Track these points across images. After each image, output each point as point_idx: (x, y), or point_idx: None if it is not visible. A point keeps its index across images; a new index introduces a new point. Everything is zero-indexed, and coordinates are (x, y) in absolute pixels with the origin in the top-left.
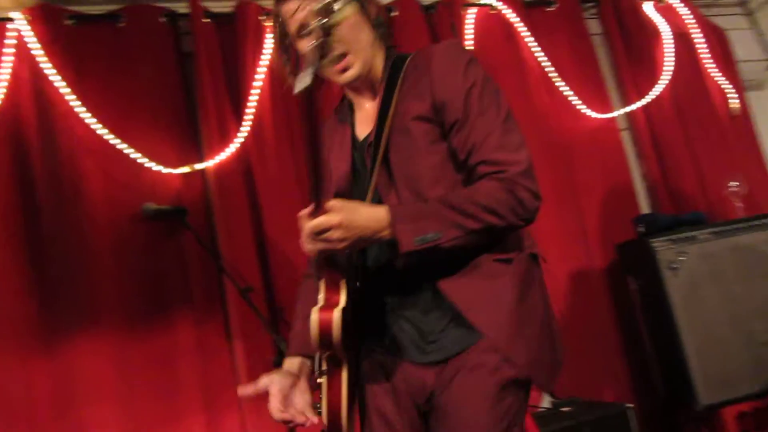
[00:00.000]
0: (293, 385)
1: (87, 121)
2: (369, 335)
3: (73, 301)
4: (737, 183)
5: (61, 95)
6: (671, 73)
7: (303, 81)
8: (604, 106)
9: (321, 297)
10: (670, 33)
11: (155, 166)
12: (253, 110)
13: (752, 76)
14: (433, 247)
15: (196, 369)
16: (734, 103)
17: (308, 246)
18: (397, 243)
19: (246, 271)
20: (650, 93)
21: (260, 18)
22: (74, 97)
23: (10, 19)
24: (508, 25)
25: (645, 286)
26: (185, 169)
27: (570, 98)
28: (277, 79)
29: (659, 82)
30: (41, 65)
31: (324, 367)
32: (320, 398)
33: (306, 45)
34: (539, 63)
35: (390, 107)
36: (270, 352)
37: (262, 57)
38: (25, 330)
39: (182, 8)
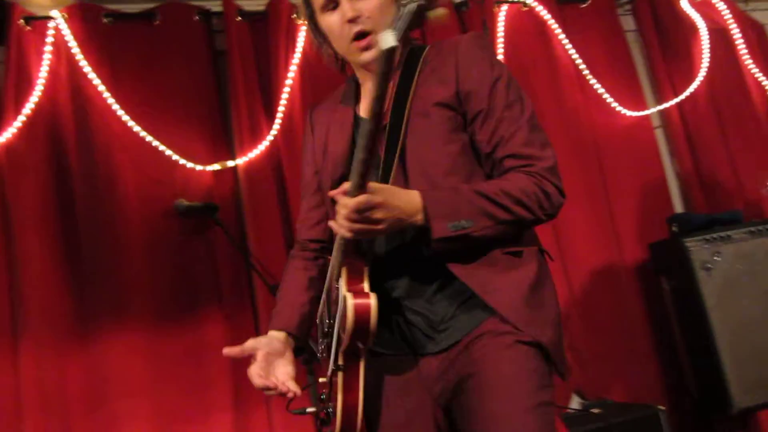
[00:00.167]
0: (278, 355)
1: (122, 118)
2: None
3: (106, 296)
4: None
5: (98, 92)
6: (707, 69)
7: (387, 40)
8: (638, 103)
9: (342, 284)
10: (707, 28)
11: (188, 163)
12: (283, 108)
13: None
14: (464, 235)
15: (225, 365)
16: None
17: (345, 225)
18: (429, 228)
19: (275, 268)
20: (686, 90)
21: (292, 16)
22: (109, 94)
23: (50, 18)
24: (541, 22)
25: (678, 286)
26: (216, 167)
27: (603, 95)
28: (308, 76)
29: (695, 78)
30: (78, 63)
31: (341, 362)
32: (332, 396)
33: (332, 21)
34: (572, 60)
35: (410, 90)
36: None
37: (294, 55)
38: (60, 324)
39: (216, 6)
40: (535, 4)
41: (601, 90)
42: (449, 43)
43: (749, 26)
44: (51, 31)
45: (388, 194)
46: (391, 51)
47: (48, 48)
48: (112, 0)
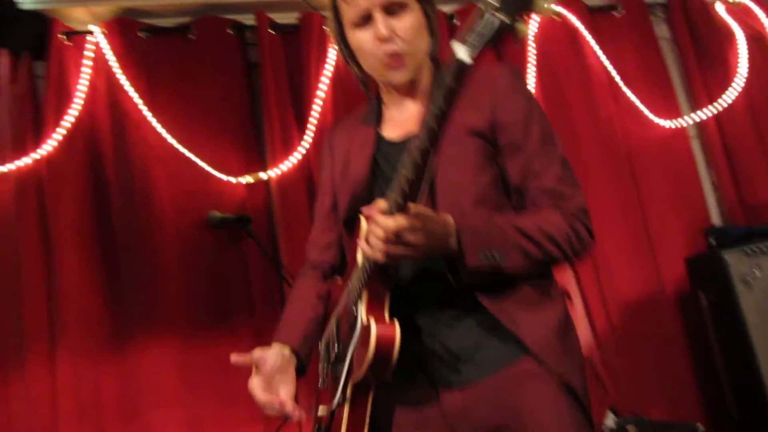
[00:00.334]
0: (281, 370)
1: (158, 130)
2: None
3: (141, 307)
4: None
5: (134, 105)
6: (745, 77)
7: (460, 54)
8: (673, 113)
9: (362, 309)
10: (744, 35)
11: (221, 176)
12: (315, 120)
13: None
14: (495, 267)
15: None
16: None
17: (380, 247)
18: (459, 257)
19: None
20: (722, 98)
21: (324, 28)
22: (146, 107)
23: (89, 33)
24: (573, 32)
25: (717, 301)
26: (249, 179)
27: (637, 105)
28: (339, 88)
29: (732, 87)
30: (116, 76)
31: (349, 393)
32: (332, 430)
33: (364, 38)
34: (605, 69)
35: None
36: None
37: (326, 67)
38: (96, 334)
39: (249, 20)
40: (568, 13)
41: (635, 99)
42: (485, 72)
43: None
44: (90, 46)
45: (427, 218)
46: (463, 66)
47: (87, 62)
48: (148, 15)
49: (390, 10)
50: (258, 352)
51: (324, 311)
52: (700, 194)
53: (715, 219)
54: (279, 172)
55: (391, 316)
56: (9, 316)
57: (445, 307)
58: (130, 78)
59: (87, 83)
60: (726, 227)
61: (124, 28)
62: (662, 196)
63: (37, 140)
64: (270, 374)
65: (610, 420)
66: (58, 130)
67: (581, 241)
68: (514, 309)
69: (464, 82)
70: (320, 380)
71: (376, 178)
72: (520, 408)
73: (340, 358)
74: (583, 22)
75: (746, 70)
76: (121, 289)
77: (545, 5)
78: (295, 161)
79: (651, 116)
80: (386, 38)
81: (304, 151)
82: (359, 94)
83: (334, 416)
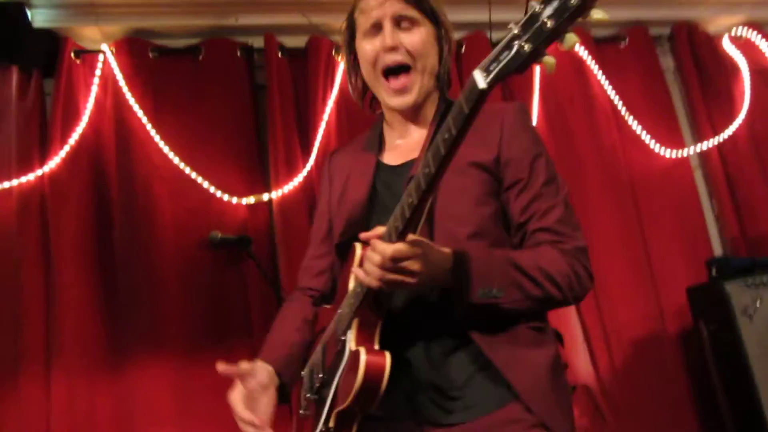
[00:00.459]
0: (263, 389)
1: (163, 149)
2: None
3: (139, 326)
4: None
5: (141, 124)
6: (748, 110)
7: (479, 81)
8: (677, 143)
9: (351, 337)
10: (748, 68)
11: (224, 195)
12: (319, 143)
13: None
14: (492, 304)
15: None
16: None
17: (376, 273)
18: (457, 291)
19: None
20: (726, 130)
21: (332, 53)
22: (151, 125)
23: (100, 52)
24: (578, 61)
25: (718, 332)
26: (251, 200)
27: (640, 135)
28: (345, 112)
29: (736, 119)
30: (124, 95)
31: (332, 424)
32: None
33: (368, 47)
34: (609, 99)
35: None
36: None
37: (332, 91)
38: (92, 352)
39: (258, 42)
40: None
41: (639, 129)
42: (493, 108)
43: None
44: (99, 64)
45: (426, 247)
46: (480, 93)
47: (96, 80)
48: (159, 35)
49: (401, 24)
50: (246, 365)
51: (310, 337)
52: (702, 225)
53: (717, 250)
54: (281, 194)
55: (381, 347)
56: (8, 333)
57: (437, 339)
58: (137, 97)
59: (94, 101)
60: (728, 258)
61: (135, 48)
62: (664, 225)
63: (43, 156)
64: (254, 389)
65: None
66: (64, 147)
67: (581, 284)
68: (507, 348)
69: (479, 109)
70: (301, 409)
71: (374, 204)
72: None
73: (325, 386)
74: (589, 52)
75: (750, 102)
76: (119, 308)
77: (573, 40)
78: (298, 184)
79: (654, 146)
80: (390, 47)
81: (306, 174)
82: (364, 120)
83: None
